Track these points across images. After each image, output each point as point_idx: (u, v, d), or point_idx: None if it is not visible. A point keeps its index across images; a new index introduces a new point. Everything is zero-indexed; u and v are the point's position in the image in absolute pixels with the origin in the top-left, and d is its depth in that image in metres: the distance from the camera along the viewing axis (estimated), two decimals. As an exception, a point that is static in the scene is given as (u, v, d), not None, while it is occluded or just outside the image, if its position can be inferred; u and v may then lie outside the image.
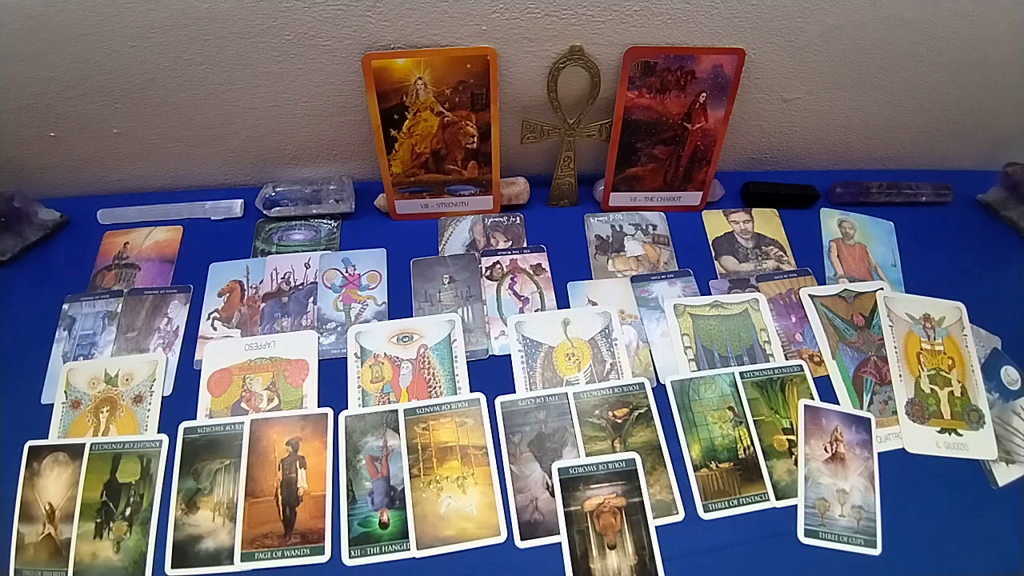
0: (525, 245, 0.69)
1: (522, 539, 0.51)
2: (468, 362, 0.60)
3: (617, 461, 0.54)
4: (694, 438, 0.56)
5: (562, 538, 0.51)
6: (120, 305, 0.63)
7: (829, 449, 0.55)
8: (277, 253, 0.67)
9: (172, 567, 0.49)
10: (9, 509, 0.52)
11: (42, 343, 0.60)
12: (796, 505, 0.53)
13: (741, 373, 0.59)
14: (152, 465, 0.53)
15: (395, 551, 0.50)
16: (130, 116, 0.64)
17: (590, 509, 0.52)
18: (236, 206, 0.70)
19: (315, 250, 0.67)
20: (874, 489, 0.54)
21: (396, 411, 0.56)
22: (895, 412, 0.58)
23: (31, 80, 0.59)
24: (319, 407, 0.57)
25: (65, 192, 0.71)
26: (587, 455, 0.54)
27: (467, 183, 0.68)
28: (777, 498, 0.53)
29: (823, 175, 0.75)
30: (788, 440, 0.56)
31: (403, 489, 0.52)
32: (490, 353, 0.61)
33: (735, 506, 0.53)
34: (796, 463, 0.55)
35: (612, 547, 0.50)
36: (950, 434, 0.57)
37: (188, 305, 0.63)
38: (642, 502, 0.52)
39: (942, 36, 0.62)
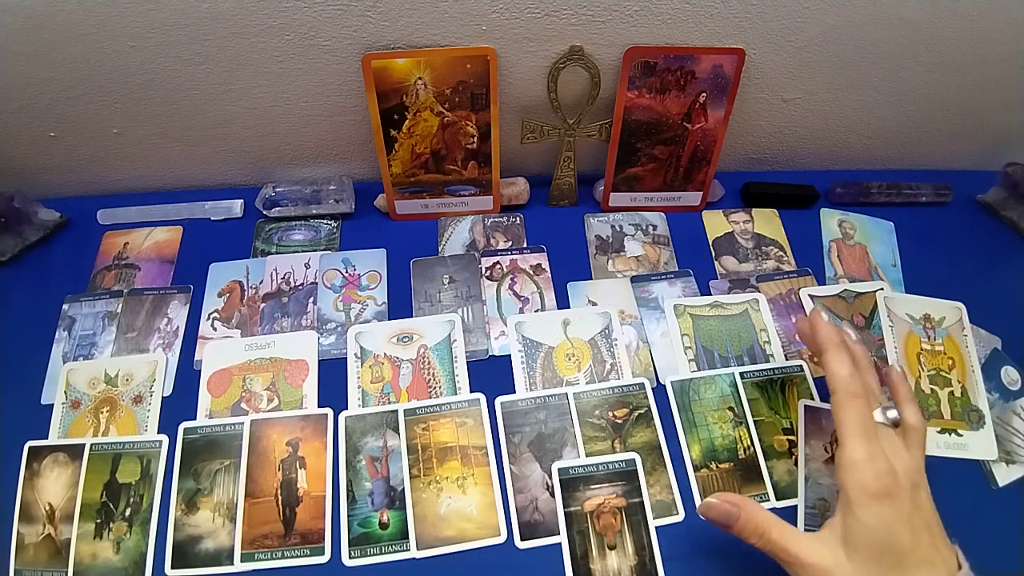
0: (525, 245, 0.68)
1: (522, 539, 0.51)
2: (468, 362, 0.60)
3: (617, 461, 0.54)
4: (694, 438, 0.56)
5: (562, 538, 0.51)
6: (120, 305, 0.63)
7: (829, 449, 0.55)
8: (277, 253, 0.67)
9: (172, 567, 0.49)
10: (9, 509, 0.52)
11: (42, 343, 0.60)
12: (796, 505, 0.53)
13: (741, 373, 0.59)
14: (152, 465, 0.53)
15: (395, 551, 0.50)
16: (130, 116, 0.64)
17: (590, 509, 0.52)
18: (236, 206, 0.70)
19: (315, 250, 0.67)
20: (874, 489, 0.54)
21: (396, 411, 0.56)
22: (895, 412, 0.58)
23: (31, 80, 0.59)
24: (319, 407, 0.57)
25: (65, 192, 0.71)
26: (587, 455, 0.54)
27: (467, 183, 0.68)
28: (777, 498, 0.53)
29: (823, 175, 0.75)
30: (788, 440, 0.56)
31: (403, 489, 0.52)
32: (490, 353, 0.61)
33: (735, 506, 0.53)
34: (796, 463, 0.55)
35: (612, 547, 0.50)
36: (950, 434, 0.57)
37: (188, 305, 0.63)
38: (642, 502, 0.52)
39: (942, 36, 0.62)
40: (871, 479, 0.40)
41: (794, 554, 0.41)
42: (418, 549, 0.50)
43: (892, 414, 0.44)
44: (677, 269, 0.67)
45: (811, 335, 0.48)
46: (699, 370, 0.60)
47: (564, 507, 0.52)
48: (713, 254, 0.69)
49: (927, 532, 0.41)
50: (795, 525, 0.52)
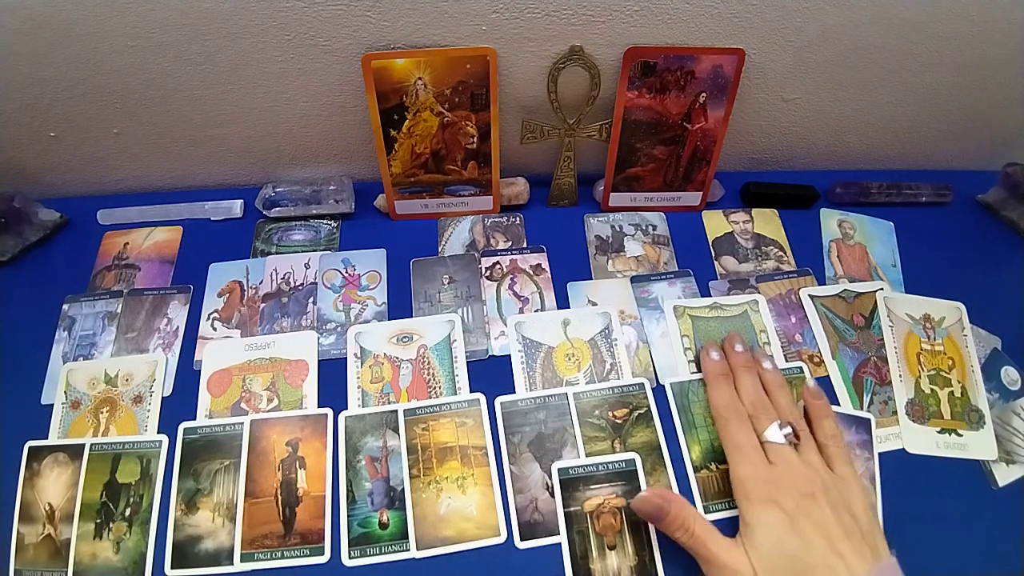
0: (525, 245, 0.68)
1: (522, 539, 0.51)
2: (468, 362, 0.60)
3: (617, 461, 0.54)
4: (694, 439, 0.56)
5: (562, 538, 0.51)
6: (120, 305, 0.63)
7: (829, 449, 0.55)
8: (277, 253, 0.67)
9: (172, 567, 0.49)
10: (9, 509, 0.52)
11: (42, 343, 0.60)
12: (796, 505, 0.53)
13: (741, 373, 0.59)
14: (152, 465, 0.53)
15: (395, 551, 0.50)
16: (130, 116, 0.64)
17: (590, 509, 0.52)
18: (236, 206, 0.70)
19: (315, 250, 0.67)
20: (874, 489, 0.54)
21: (396, 411, 0.56)
22: (895, 412, 0.58)
23: (31, 80, 0.59)
24: (319, 407, 0.57)
25: (65, 192, 0.71)
26: (587, 455, 0.54)
27: (467, 183, 0.68)
28: (777, 498, 0.53)
29: (823, 175, 0.75)
30: (788, 440, 0.56)
31: (403, 489, 0.52)
32: (490, 353, 0.61)
33: (735, 507, 0.53)
34: (796, 463, 0.55)
35: (612, 547, 0.50)
36: (950, 434, 0.57)
37: (188, 305, 0.63)
38: (642, 502, 0.52)
39: (942, 36, 0.62)
40: (750, 489, 0.47)
41: (713, 551, 0.45)
42: (418, 549, 0.50)
43: (785, 431, 0.49)
44: (677, 269, 0.67)
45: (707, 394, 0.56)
46: (698, 371, 0.60)
47: (564, 507, 0.52)
48: (713, 254, 0.69)
49: (822, 538, 0.44)
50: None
